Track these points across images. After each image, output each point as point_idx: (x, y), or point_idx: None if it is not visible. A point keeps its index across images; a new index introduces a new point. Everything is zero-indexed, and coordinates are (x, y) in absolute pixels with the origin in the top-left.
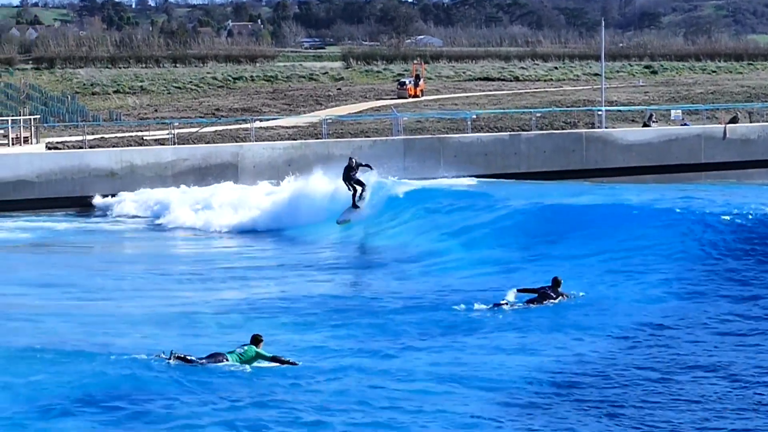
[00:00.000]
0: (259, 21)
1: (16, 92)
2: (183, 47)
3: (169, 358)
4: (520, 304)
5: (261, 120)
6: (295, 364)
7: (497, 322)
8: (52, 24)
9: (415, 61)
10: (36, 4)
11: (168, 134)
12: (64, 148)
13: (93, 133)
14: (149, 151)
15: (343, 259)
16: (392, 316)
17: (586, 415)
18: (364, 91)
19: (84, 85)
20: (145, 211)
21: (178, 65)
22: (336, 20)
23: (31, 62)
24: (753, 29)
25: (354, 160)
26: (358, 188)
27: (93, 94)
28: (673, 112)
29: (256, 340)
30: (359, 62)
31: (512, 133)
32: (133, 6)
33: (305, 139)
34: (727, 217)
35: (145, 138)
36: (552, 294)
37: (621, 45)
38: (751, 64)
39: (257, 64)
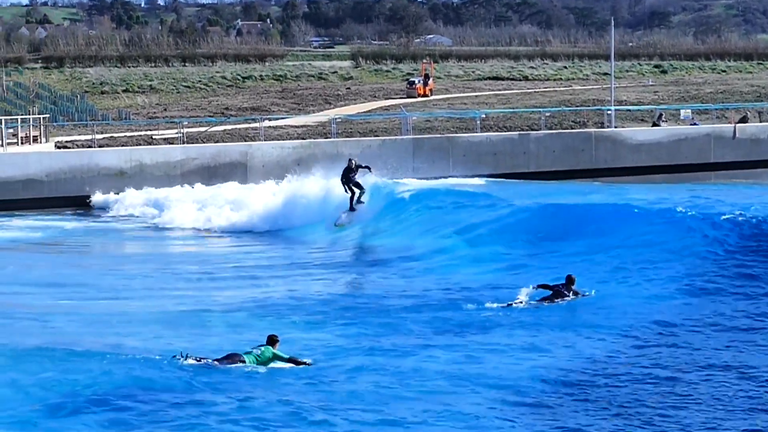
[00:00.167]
0: (268, 20)
1: (25, 91)
2: (192, 46)
3: (185, 359)
4: (534, 302)
5: (270, 119)
6: (310, 364)
7: (508, 320)
8: (62, 23)
9: (424, 61)
10: (45, 4)
11: (177, 133)
12: (73, 147)
13: (102, 133)
14: (158, 150)
15: (348, 259)
16: (402, 315)
17: (596, 415)
18: (373, 90)
19: (93, 84)
20: (147, 210)
21: (187, 64)
22: (345, 19)
23: (40, 61)
24: (763, 29)
25: (354, 162)
26: (356, 191)
27: (102, 93)
28: (682, 111)
29: (272, 340)
30: (368, 61)
31: (521, 132)
32: (143, 5)
33: (314, 139)
34: (736, 216)
35: (154, 137)
36: (565, 292)
37: (630, 44)
38: (761, 63)
39: (266, 64)
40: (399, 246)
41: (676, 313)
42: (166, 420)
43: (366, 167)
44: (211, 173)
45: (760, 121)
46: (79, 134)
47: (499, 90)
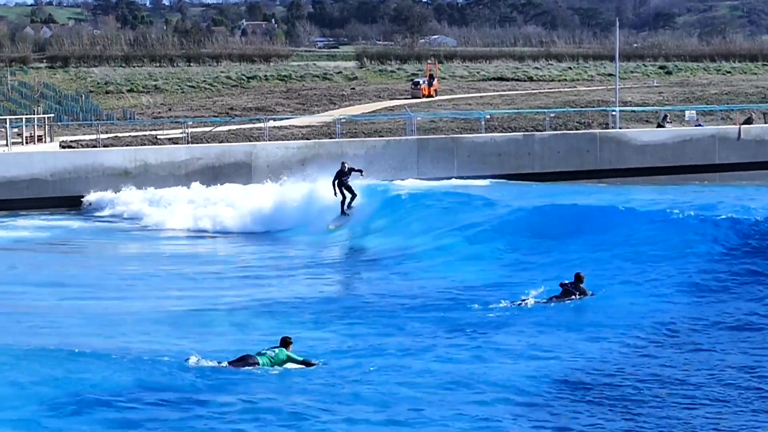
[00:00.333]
0: (273, 20)
1: (30, 91)
2: (197, 46)
3: (197, 363)
4: (543, 301)
5: (275, 119)
6: (323, 364)
7: (514, 320)
8: (67, 23)
9: (429, 61)
10: (50, 3)
11: (182, 133)
12: (77, 147)
13: (107, 132)
14: (163, 150)
15: (347, 259)
16: (408, 315)
17: (602, 416)
18: (378, 90)
19: (98, 83)
20: (145, 209)
21: (191, 64)
22: (350, 20)
23: (45, 61)
24: None
25: (346, 165)
26: (348, 195)
27: (107, 92)
28: (687, 112)
29: (285, 342)
30: (373, 62)
31: (526, 133)
32: (148, 5)
33: (319, 139)
34: (740, 217)
35: (158, 137)
36: (574, 290)
37: (635, 45)
38: (766, 64)
39: (271, 64)
40: (398, 246)
41: (679, 313)
42: (171, 420)
43: (358, 171)
44: (216, 173)
45: (765, 123)
46: (84, 134)
47: (504, 91)
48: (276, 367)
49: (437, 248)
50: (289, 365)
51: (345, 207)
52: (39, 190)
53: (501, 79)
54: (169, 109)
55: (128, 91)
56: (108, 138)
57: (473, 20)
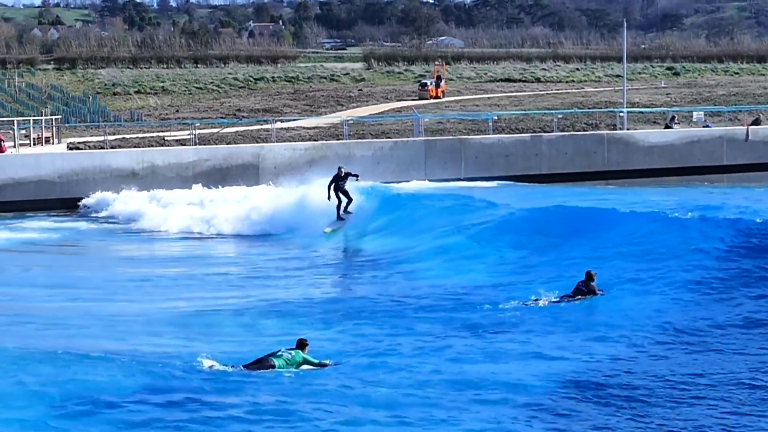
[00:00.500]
0: (280, 22)
1: (37, 92)
2: (204, 48)
3: (211, 366)
4: (555, 299)
5: (282, 121)
6: (330, 365)
7: (523, 320)
8: (74, 24)
9: (436, 62)
10: (58, 5)
11: (189, 135)
12: (85, 149)
13: (114, 134)
14: (170, 152)
15: (350, 260)
16: (415, 315)
17: (610, 417)
18: (386, 92)
19: (105, 85)
20: (142, 211)
21: (199, 66)
22: (357, 21)
23: (52, 62)
24: None
25: (343, 170)
26: (344, 199)
27: (114, 94)
28: (695, 113)
29: (301, 344)
30: (380, 63)
31: (534, 134)
32: (155, 6)
33: (326, 140)
34: (747, 218)
35: (166, 138)
36: (584, 289)
37: (643, 46)
38: None
39: (278, 65)
40: (399, 246)
41: (686, 314)
42: (179, 422)
43: (354, 176)
44: (223, 175)
45: None
46: (91, 135)
47: (511, 92)
48: (291, 369)
49: (439, 249)
50: (305, 367)
51: (341, 211)
52: (46, 192)
53: (508, 80)
54: (177, 111)
55: (135, 92)
56: (115, 139)
57: (480, 21)
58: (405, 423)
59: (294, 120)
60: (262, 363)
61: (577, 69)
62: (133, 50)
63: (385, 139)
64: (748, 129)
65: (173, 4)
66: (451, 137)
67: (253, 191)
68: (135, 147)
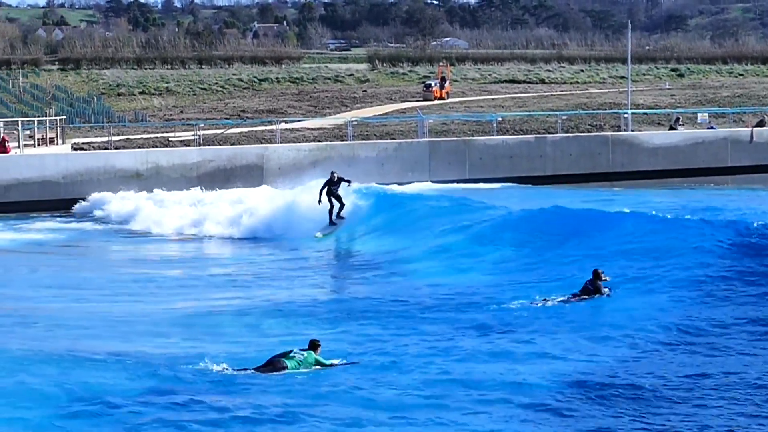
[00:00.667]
0: (284, 22)
1: (42, 93)
2: (208, 48)
3: (226, 370)
4: (563, 298)
5: (286, 121)
6: (337, 364)
7: (528, 320)
8: (78, 25)
9: (440, 63)
10: (62, 5)
11: (193, 135)
12: (89, 149)
13: (118, 134)
14: (175, 153)
15: (349, 262)
16: (421, 316)
17: (616, 418)
18: (390, 93)
19: (110, 86)
20: (137, 212)
21: (203, 66)
22: (361, 22)
23: (57, 63)
24: None
25: (335, 175)
26: (336, 204)
27: (118, 95)
28: (699, 115)
29: (314, 345)
30: (385, 64)
31: (538, 135)
32: (159, 7)
33: (330, 141)
34: (751, 219)
35: (170, 139)
36: (590, 287)
37: (647, 48)
38: None
39: (283, 66)
40: (398, 247)
41: (690, 314)
42: (182, 422)
43: (347, 181)
44: (228, 176)
45: None
46: (96, 136)
47: (516, 93)
48: (303, 370)
49: (438, 249)
50: (317, 367)
51: (333, 216)
52: (51, 192)
53: (513, 81)
54: (181, 112)
55: (140, 93)
56: (119, 140)
57: (485, 22)
58: (411, 424)
59: (298, 121)
60: (274, 365)
61: (582, 70)
62: (137, 51)
63: (389, 140)
64: (752, 130)
65: (178, 4)
66: (455, 138)
67: (250, 193)
68: (139, 148)
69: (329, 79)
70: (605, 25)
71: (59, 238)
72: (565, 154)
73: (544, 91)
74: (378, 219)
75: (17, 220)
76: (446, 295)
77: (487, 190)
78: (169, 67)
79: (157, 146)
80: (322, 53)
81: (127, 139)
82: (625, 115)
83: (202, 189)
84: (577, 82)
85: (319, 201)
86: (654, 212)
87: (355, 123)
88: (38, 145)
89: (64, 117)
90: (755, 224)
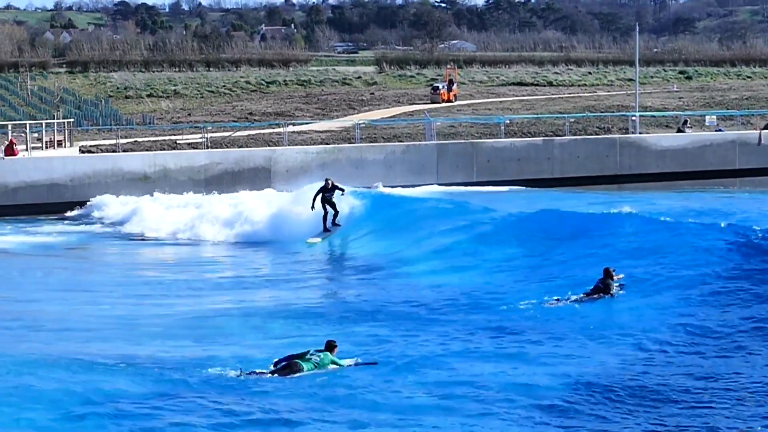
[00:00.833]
0: (292, 25)
1: (50, 96)
2: (216, 51)
3: (239, 375)
4: (576, 297)
5: (294, 124)
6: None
7: (537, 321)
8: (86, 28)
9: (448, 66)
10: (70, 8)
11: (201, 138)
12: (97, 152)
13: (126, 137)
14: (182, 155)
15: (349, 264)
16: (429, 317)
17: (625, 419)
18: (398, 95)
19: (117, 88)
20: (130, 215)
21: (211, 69)
22: (369, 25)
23: (65, 66)
24: None
25: (330, 182)
26: (330, 211)
27: (126, 97)
28: (707, 117)
29: (330, 346)
30: (392, 67)
31: (546, 138)
32: (167, 10)
33: (338, 144)
34: (757, 221)
35: (178, 142)
36: (601, 286)
37: (655, 50)
38: None
39: (290, 69)
40: (398, 249)
41: (697, 315)
42: (190, 426)
43: (341, 189)
44: (235, 178)
45: None
46: (104, 139)
47: (524, 96)
48: (319, 371)
49: (438, 250)
50: (332, 367)
51: (328, 223)
52: (59, 195)
53: (520, 84)
54: (189, 114)
55: (148, 95)
56: (127, 143)
57: (493, 25)
58: (420, 425)
59: (306, 123)
60: (291, 368)
61: (590, 73)
62: (145, 54)
63: (397, 143)
64: (760, 133)
65: (185, 7)
66: (463, 141)
67: (250, 196)
68: (147, 150)
69: (337, 81)
70: (613, 28)
71: (69, 240)
72: (573, 157)
73: (552, 94)
74: (376, 221)
75: (25, 222)
76: (454, 297)
77: (494, 193)
78: (177, 69)
79: (164, 149)
80: (329, 56)
81: (135, 141)
82: (633, 118)
83: (204, 193)
84: (585, 85)
85: (312, 207)
86: (662, 217)
87: (363, 125)
88: (46, 147)
89: (71, 120)
90: (762, 226)
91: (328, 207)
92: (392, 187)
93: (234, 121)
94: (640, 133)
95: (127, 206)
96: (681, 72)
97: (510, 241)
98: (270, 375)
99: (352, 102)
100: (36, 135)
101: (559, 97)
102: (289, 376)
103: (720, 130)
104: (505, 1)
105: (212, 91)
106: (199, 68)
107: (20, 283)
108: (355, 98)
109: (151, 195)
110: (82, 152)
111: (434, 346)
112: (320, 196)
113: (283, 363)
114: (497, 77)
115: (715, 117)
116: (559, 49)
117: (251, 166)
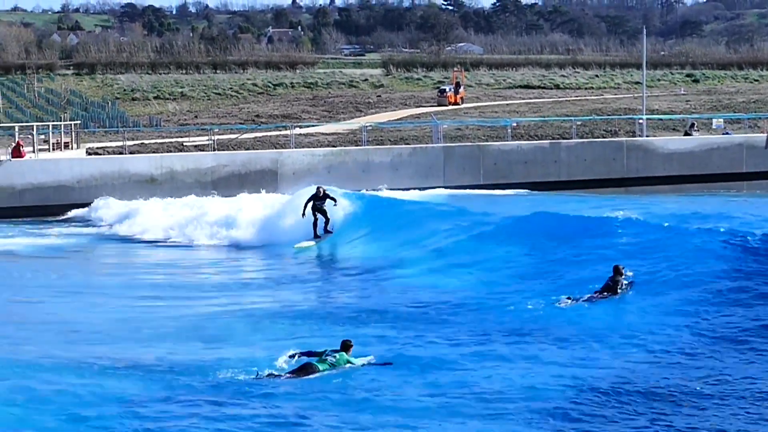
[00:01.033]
0: (299, 28)
1: (57, 98)
2: (223, 53)
3: (257, 377)
4: (588, 296)
5: (301, 127)
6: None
7: (544, 323)
8: (93, 30)
9: (455, 69)
10: (77, 10)
11: (208, 140)
12: (104, 154)
13: (133, 139)
14: (189, 157)
15: (353, 265)
16: (438, 318)
17: (632, 420)
18: (404, 98)
19: (124, 90)
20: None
21: (218, 71)
22: (376, 27)
23: (72, 68)
24: None
25: (321, 190)
26: (321, 218)
27: (133, 99)
28: (714, 121)
29: (346, 346)
30: (399, 69)
31: (553, 141)
32: (174, 12)
33: (345, 146)
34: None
35: (184, 144)
36: (610, 283)
37: (662, 53)
38: None
39: (297, 71)
40: (397, 250)
41: (703, 318)
42: (203, 429)
43: (333, 199)
44: (242, 180)
45: None
46: (110, 141)
47: (530, 98)
48: (334, 372)
49: (437, 252)
50: (349, 366)
51: (319, 230)
52: (65, 197)
53: (527, 86)
54: (196, 116)
55: (154, 98)
56: (134, 145)
57: (499, 28)
58: (425, 428)
59: (313, 126)
60: (306, 369)
61: (597, 76)
62: (152, 56)
63: (403, 145)
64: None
65: (192, 9)
66: (470, 144)
67: (250, 198)
68: (154, 152)
69: (344, 84)
70: (620, 31)
71: (78, 243)
72: (580, 160)
73: (559, 97)
74: (375, 223)
75: (32, 224)
76: (458, 299)
77: (500, 196)
78: (184, 71)
79: (171, 151)
80: (336, 58)
81: (142, 143)
82: (640, 121)
83: (214, 194)
84: (592, 88)
85: (303, 214)
86: (666, 223)
87: (370, 128)
88: (53, 149)
89: (78, 122)
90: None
91: (318, 215)
92: (399, 189)
93: (241, 124)
94: (647, 136)
95: (129, 208)
96: (688, 75)
97: (511, 240)
98: (287, 377)
99: (358, 104)
100: (43, 137)
101: (566, 100)
102: (303, 377)
103: (727, 134)
104: (512, 4)
105: (219, 94)
106: (205, 70)
107: (26, 286)
108: (362, 101)
109: (157, 197)
110: (89, 154)
111: (439, 349)
112: (311, 203)
113: (302, 357)
114: (504, 80)
115: (722, 120)
116: (566, 52)
117: (258, 169)
